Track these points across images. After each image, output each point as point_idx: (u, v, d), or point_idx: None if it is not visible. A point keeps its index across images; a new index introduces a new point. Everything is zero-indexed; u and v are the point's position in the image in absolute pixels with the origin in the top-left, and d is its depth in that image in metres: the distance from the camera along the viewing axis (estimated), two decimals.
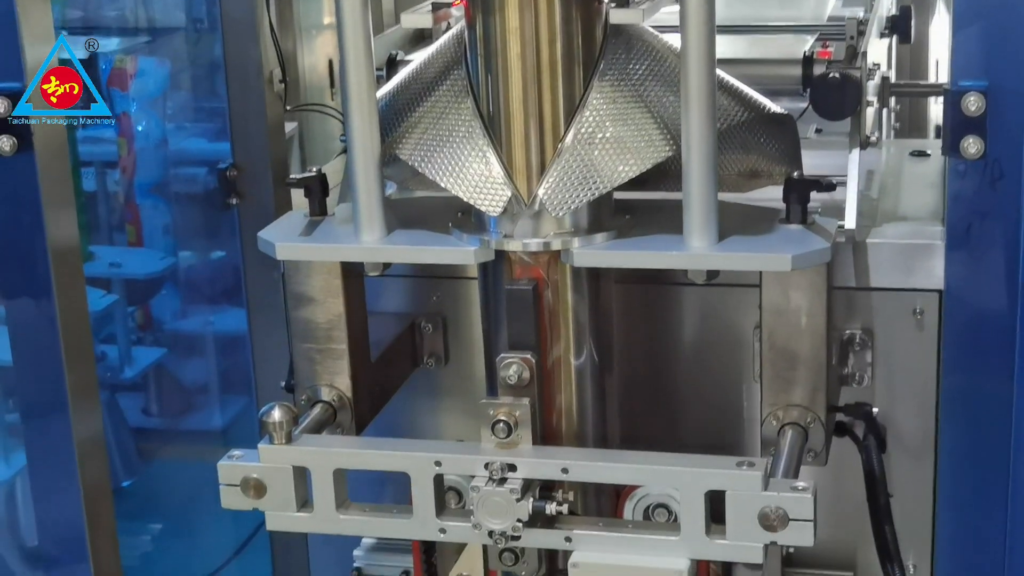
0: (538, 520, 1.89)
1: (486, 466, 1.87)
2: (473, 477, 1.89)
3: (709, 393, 2.31)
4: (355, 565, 2.52)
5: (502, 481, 1.87)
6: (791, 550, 2.28)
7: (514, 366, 1.94)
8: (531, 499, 1.87)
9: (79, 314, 2.25)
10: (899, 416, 2.23)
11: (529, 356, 1.94)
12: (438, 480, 1.92)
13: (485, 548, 2.13)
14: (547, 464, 1.88)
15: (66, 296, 2.20)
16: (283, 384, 2.32)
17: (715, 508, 1.84)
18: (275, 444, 1.94)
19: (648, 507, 2.09)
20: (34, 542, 3.02)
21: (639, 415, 2.26)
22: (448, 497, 2.11)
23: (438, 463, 1.90)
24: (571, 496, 1.93)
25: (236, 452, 1.97)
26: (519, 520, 1.87)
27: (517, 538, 1.89)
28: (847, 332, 2.20)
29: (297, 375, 2.17)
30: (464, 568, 2.20)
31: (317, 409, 2.12)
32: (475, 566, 2.18)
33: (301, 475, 1.95)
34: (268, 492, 1.95)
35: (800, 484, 1.80)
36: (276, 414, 1.94)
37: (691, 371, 2.31)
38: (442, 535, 1.93)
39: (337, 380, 2.13)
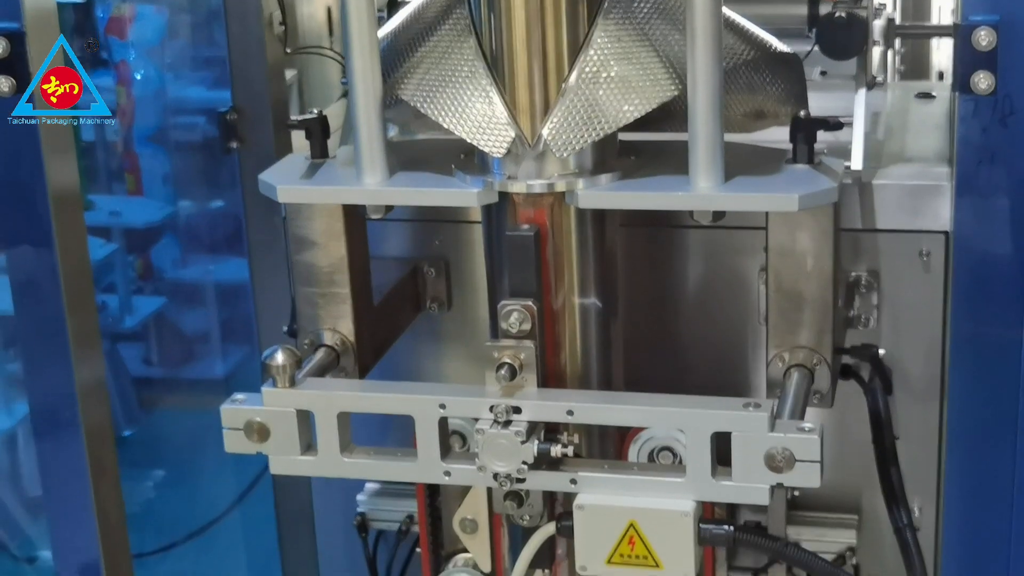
0: (543, 462, 1.88)
1: (491, 409, 1.87)
2: (478, 420, 1.88)
3: (715, 336, 2.30)
4: (358, 510, 2.52)
5: (507, 424, 1.86)
6: (796, 493, 2.28)
7: (515, 314, 1.91)
8: (536, 441, 1.87)
9: (80, 261, 2.24)
10: (905, 358, 2.23)
11: (531, 303, 1.92)
12: (443, 423, 1.91)
13: (490, 492, 2.13)
14: (552, 406, 1.87)
15: (67, 243, 2.18)
16: (285, 329, 2.31)
17: (721, 451, 1.83)
18: (279, 387, 1.93)
19: (653, 450, 2.08)
20: (37, 491, 3.02)
21: (644, 359, 2.25)
22: (452, 442, 2.10)
23: (443, 406, 1.89)
24: (576, 439, 1.92)
25: (239, 396, 1.96)
26: (524, 462, 1.86)
27: (522, 480, 1.88)
28: (853, 274, 2.19)
29: (300, 319, 2.15)
30: (468, 512, 2.19)
31: (320, 353, 2.11)
32: (479, 510, 2.18)
33: (305, 419, 1.95)
34: (272, 436, 1.94)
35: (807, 425, 1.80)
36: (279, 357, 1.93)
37: (697, 314, 2.30)
38: (447, 478, 1.93)
39: (340, 324, 2.12)
